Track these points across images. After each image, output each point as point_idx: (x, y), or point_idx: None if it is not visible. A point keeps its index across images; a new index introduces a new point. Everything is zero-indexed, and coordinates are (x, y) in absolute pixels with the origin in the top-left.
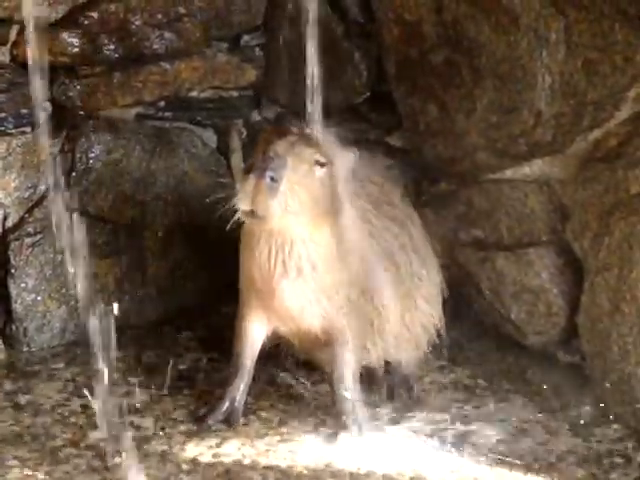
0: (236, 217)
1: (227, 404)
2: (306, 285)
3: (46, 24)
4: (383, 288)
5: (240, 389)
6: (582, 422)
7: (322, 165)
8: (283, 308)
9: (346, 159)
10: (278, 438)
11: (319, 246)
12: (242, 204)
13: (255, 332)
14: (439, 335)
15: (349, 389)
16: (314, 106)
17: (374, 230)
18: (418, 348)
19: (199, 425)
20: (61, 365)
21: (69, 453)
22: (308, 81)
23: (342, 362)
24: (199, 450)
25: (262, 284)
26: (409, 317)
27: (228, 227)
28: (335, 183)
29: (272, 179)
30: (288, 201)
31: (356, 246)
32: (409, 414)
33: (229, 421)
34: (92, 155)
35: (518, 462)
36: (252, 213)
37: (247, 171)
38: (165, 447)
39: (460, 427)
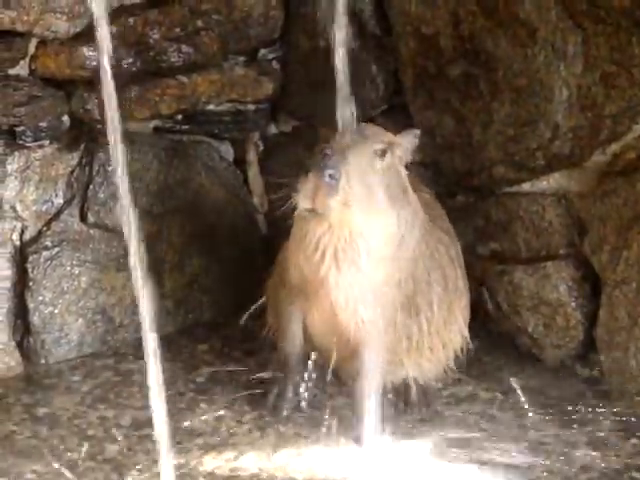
0: (297, 212)
1: (291, 393)
2: (355, 278)
3: (65, 38)
4: (431, 303)
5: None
6: (600, 436)
7: (383, 154)
8: (327, 302)
9: (410, 138)
10: (295, 452)
11: (377, 240)
12: (303, 203)
13: (298, 330)
14: (462, 350)
15: (372, 403)
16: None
17: (430, 241)
18: (445, 363)
19: (274, 415)
20: (78, 378)
21: (87, 466)
22: (338, 92)
23: (368, 375)
24: (217, 463)
25: (310, 274)
26: (447, 332)
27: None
28: (398, 171)
29: (331, 176)
30: (348, 197)
31: (413, 248)
32: (426, 428)
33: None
34: (109, 168)
35: (535, 476)
36: (313, 210)
37: (307, 170)
38: (182, 460)
39: (476, 441)
